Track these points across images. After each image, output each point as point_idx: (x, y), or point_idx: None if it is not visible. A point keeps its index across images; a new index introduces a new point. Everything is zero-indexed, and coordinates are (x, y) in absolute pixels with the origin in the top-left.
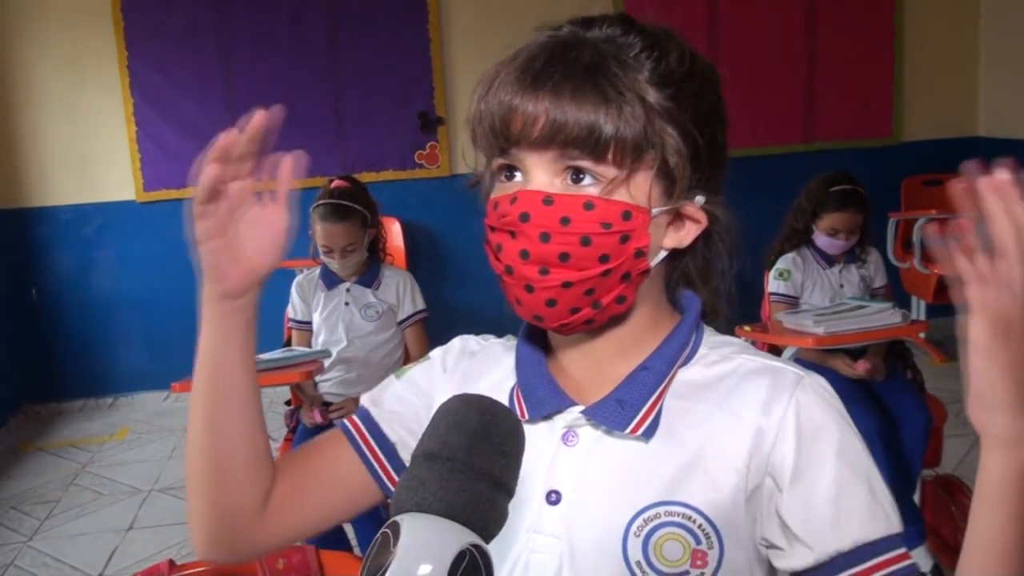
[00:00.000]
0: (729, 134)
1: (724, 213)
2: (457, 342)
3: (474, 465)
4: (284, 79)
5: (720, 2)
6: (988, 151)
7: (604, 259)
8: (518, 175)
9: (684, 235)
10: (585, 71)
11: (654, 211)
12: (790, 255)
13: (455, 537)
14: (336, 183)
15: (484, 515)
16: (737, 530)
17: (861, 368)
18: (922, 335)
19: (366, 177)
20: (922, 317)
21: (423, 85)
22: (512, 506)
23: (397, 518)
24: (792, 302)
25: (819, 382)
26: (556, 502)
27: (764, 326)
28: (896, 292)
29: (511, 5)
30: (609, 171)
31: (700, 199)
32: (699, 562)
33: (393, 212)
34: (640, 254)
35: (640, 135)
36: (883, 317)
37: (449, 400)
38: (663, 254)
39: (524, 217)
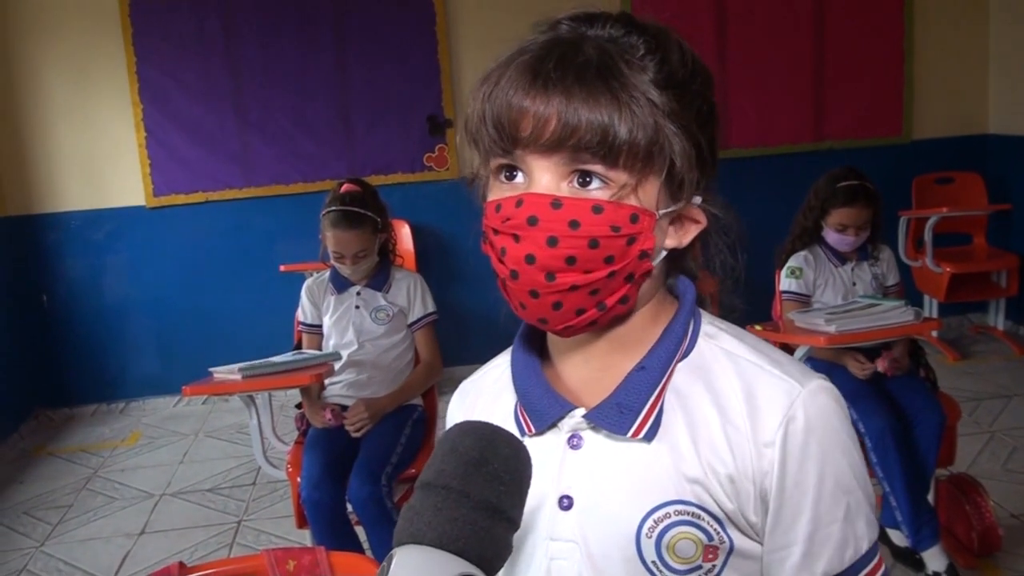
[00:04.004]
0: (739, 134)
1: (724, 212)
2: (455, 399)
3: (469, 494)
4: (293, 83)
5: (728, 2)
6: (998, 149)
7: (610, 260)
8: (519, 176)
9: (684, 235)
10: (596, 72)
11: (659, 213)
12: (802, 253)
13: (445, 569)
14: (346, 187)
15: (479, 544)
16: (740, 523)
17: (882, 366)
18: (935, 333)
19: (375, 180)
20: (934, 315)
21: (431, 88)
22: (528, 514)
23: (394, 550)
24: (804, 300)
25: (817, 393)
26: (569, 507)
27: (776, 325)
28: (908, 290)
29: (518, 7)
30: (620, 176)
31: (697, 199)
32: (711, 555)
33: (403, 215)
34: (645, 256)
35: (651, 138)
36: (895, 315)
37: (449, 429)
38: (663, 254)
39: (532, 221)
